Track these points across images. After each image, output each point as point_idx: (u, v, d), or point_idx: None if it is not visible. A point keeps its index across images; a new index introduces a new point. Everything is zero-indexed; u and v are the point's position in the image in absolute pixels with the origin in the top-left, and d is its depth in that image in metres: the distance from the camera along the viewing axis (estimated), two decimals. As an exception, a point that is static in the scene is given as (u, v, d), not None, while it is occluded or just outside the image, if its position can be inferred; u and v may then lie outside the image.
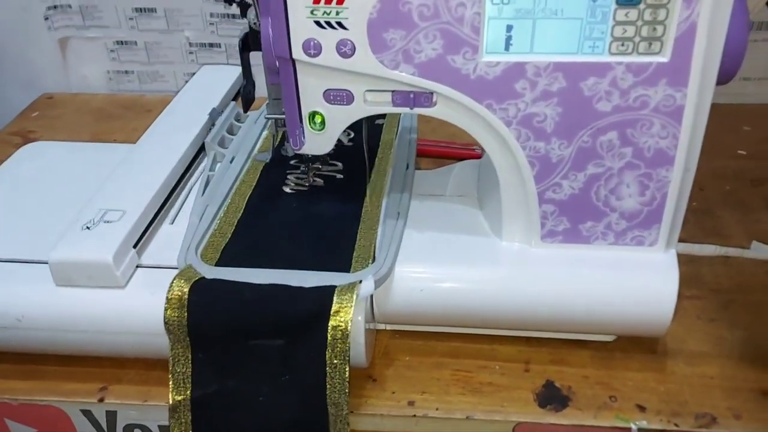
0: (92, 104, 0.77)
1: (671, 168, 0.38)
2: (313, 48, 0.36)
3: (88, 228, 0.41)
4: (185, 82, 0.60)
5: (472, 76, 0.36)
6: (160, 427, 0.42)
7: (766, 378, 0.42)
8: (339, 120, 0.39)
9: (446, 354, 0.44)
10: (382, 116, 0.56)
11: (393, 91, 0.38)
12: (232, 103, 0.57)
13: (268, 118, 0.43)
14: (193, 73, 0.61)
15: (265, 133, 0.54)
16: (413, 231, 0.43)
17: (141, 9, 0.74)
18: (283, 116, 0.42)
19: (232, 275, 0.39)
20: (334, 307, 0.37)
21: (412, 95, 0.38)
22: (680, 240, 0.41)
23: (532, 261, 0.41)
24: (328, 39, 0.36)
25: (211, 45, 0.76)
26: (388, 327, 0.45)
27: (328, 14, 0.35)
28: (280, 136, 0.50)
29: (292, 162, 0.49)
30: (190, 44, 0.76)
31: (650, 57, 0.35)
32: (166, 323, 0.37)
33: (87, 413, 0.42)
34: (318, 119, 0.40)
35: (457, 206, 0.46)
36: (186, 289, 0.38)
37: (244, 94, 0.44)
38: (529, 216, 0.40)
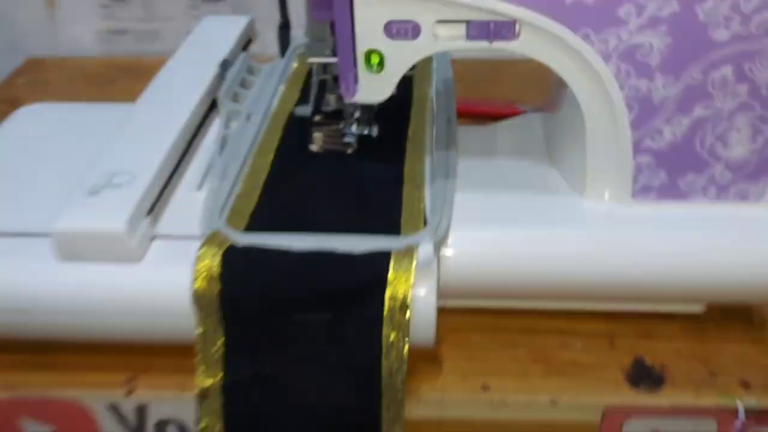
0: (85, 68, 0.70)
1: (791, 108, 0.33)
2: (377, -32, 0.30)
3: (94, 194, 0.35)
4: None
5: (567, 0, 0.30)
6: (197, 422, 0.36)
7: None
8: (401, 60, 0.34)
9: (520, 331, 0.39)
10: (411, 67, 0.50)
11: (468, 22, 0.32)
12: (243, 54, 0.50)
13: (312, 63, 0.37)
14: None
15: (282, 87, 0.47)
16: (469, 191, 0.38)
17: (137, -41, 0.67)
18: (329, 59, 0.36)
19: (267, 241, 0.33)
20: (391, 274, 0.31)
21: (491, 25, 0.32)
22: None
23: (621, 221, 0.36)
24: (398, -44, 0.30)
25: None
26: (451, 303, 0.39)
27: (400, -76, 0.29)
28: (316, 86, 0.44)
29: (315, 118, 0.43)
30: (193, -1, 0.69)
31: (781, -27, 0.30)
32: (194, 296, 0.32)
33: (113, 408, 0.36)
34: (375, 59, 0.34)
35: (523, 163, 0.41)
36: (217, 258, 0.32)
37: (281, 36, 0.38)
38: (621, 169, 0.35)
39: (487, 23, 0.32)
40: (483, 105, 0.55)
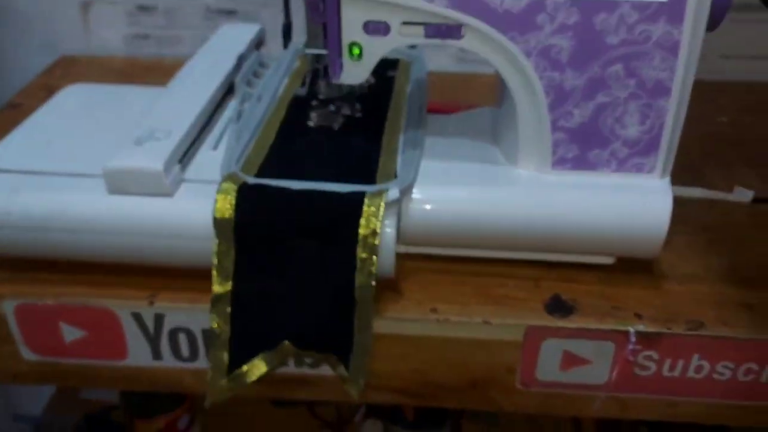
0: (113, 66, 0.81)
1: (669, 99, 0.43)
2: (358, -20, 0.41)
3: (139, 143, 0.45)
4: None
5: (499, 9, 0.41)
6: (203, 330, 0.46)
7: (749, 295, 0.47)
8: (375, 51, 0.44)
9: (467, 274, 0.48)
10: (394, 68, 0.60)
11: (426, 24, 0.43)
12: (256, 51, 0.61)
13: (308, 54, 0.48)
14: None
15: (285, 80, 0.58)
16: (433, 159, 0.48)
17: (164, -25, 0.78)
18: (323, 51, 0.46)
19: (274, 183, 0.43)
20: (365, 208, 0.41)
21: (443, 27, 0.42)
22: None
23: (544, 186, 0.46)
24: (373, -28, 0.40)
25: (229, 12, 0.80)
26: (413, 250, 0.49)
27: (376, -52, 0.40)
28: (311, 73, 0.54)
29: (313, 103, 0.54)
30: (209, 9, 0.80)
31: (654, -4, 0.40)
32: (215, 219, 0.42)
33: (136, 316, 0.46)
34: (356, 50, 0.44)
35: (474, 142, 0.51)
36: (233, 190, 0.42)
37: (284, 33, 0.48)
38: (543, 144, 0.45)
39: (439, 25, 0.42)
40: (448, 105, 0.65)
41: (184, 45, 0.82)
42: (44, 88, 0.74)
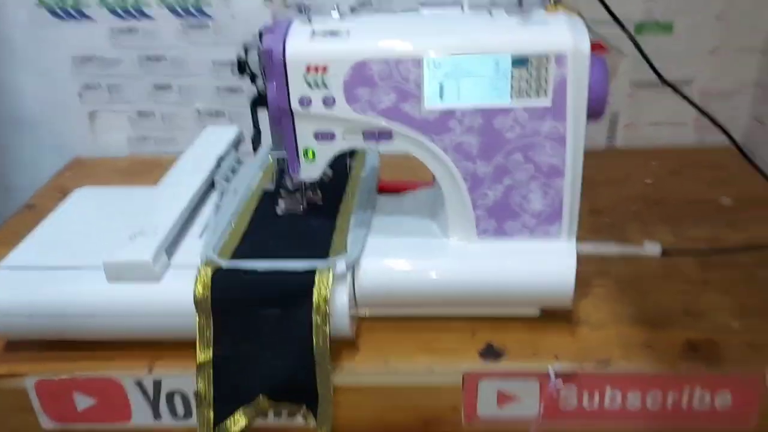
0: (118, 165, 0.92)
1: (562, 179, 0.53)
2: (305, 102, 0.52)
3: (131, 239, 0.55)
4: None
5: (417, 117, 0.52)
6: (194, 393, 0.55)
7: (648, 337, 0.56)
8: (325, 153, 0.55)
9: (413, 330, 0.57)
10: (352, 158, 0.71)
11: (363, 131, 0.53)
12: (234, 150, 0.72)
13: (273, 156, 0.59)
14: (204, 135, 0.76)
15: (260, 173, 0.69)
16: (379, 234, 0.58)
17: (159, 86, 0.90)
18: (285, 154, 0.57)
19: (241, 265, 0.53)
20: (317, 281, 0.51)
21: (377, 133, 0.53)
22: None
23: (470, 253, 0.56)
24: (316, 95, 0.51)
25: (217, 113, 0.92)
26: (369, 313, 0.58)
27: (316, 78, 0.51)
28: (277, 171, 0.65)
29: (282, 193, 0.64)
30: (200, 113, 0.92)
31: (538, 101, 0.51)
32: (194, 298, 0.51)
33: (138, 383, 0.55)
34: (310, 153, 0.55)
35: (414, 218, 0.61)
36: (209, 273, 0.52)
37: (254, 140, 0.59)
38: (467, 220, 0.55)
39: (374, 132, 0.53)
40: (400, 184, 0.75)
41: (179, 144, 0.94)
42: (57, 188, 0.85)
